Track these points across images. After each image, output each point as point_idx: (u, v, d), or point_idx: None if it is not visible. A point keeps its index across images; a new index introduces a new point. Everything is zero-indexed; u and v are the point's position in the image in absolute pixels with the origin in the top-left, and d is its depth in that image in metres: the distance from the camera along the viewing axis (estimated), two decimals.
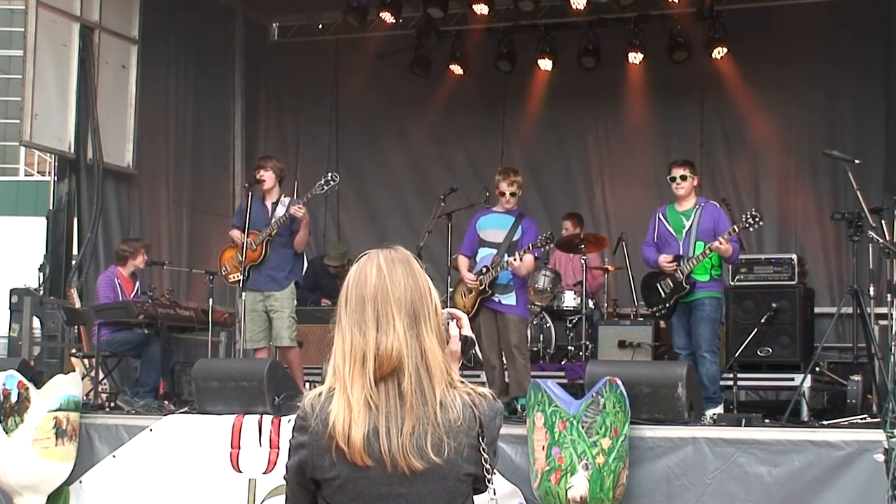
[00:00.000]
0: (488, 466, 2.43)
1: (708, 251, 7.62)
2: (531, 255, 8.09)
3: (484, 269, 8.15)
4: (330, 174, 8.60)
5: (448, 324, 2.48)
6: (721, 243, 7.53)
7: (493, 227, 8.33)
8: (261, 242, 8.50)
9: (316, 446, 2.39)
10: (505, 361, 8.22)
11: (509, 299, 8.14)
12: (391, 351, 2.37)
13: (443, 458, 2.36)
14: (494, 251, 8.20)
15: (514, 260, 7.97)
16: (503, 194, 8.32)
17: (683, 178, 7.91)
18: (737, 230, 7.60)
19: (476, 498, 2.48)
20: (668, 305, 7.86)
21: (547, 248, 8.23)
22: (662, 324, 9.72)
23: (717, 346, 7.82)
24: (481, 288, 8.13)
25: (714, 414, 7.22)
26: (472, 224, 8.51)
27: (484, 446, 2.42)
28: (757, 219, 7.59)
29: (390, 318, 2.39)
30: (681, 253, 7.78)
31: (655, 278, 7.99)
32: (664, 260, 7.79)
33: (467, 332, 2.53)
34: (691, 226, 7.81)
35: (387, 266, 2.43)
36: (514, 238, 8.20)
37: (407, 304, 2.40)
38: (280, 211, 8.53)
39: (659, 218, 8.00)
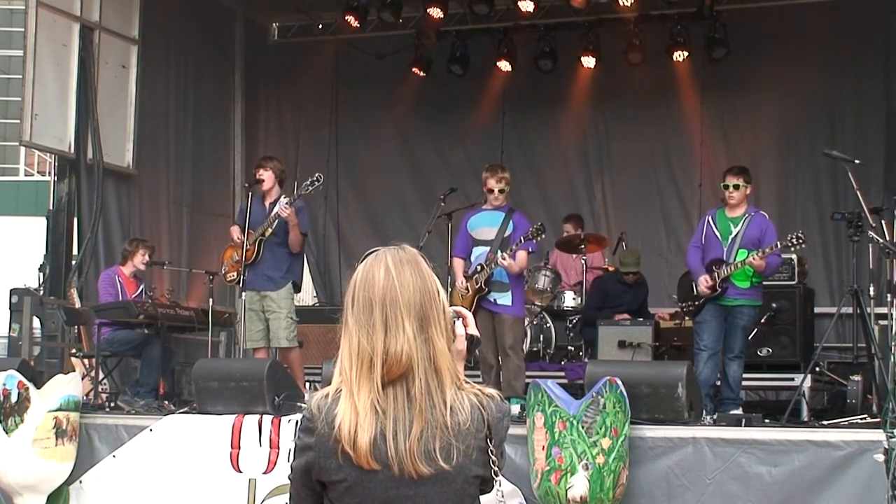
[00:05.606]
0: (496, 468, 2.39)
1: (744, 263, 7.66)
2: (523, 250, 8.07)
3: (479, 267, 8.10)
4: (316, 174, 8.56)
5: (454, 322, 2.43)
6: (755, 259, 7.57)
7: (484, 224, 8.28)
8: (254, 242, 8.49)
9: (322, 448, 2.35)
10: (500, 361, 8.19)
11: (505, 299, 8.10)
12: (400, 355, 2.32)
13: (451, 464, 2.32)
14: (488, 248, 8.16)
15: (504, 259, 7.94)
16: (492, 191, 8.25)
17: (736, 187, 7.86)
18: (778, 247, 7.61)
19: (483, 498, 2.45)
20: (697, 303, 7.90)
21: (538, 239, 8.17)
22: (662, 324, 9.76)
23: (745, 351, 7.91)
24: (477, 286, 8.10)
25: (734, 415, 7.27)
26: (463, 225, 8.44)
27: (492, 448, 2.37)
28: (801, 240, 7.56)
29: (399, 321, 2.33)
30: (723, 258, 7.81)
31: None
32: (703, 283, 7.79)
33: (473, 330, 2.47)
34: (738, 234, 7.83)
35: (395, 267, 2.38)
36: (507, 234, 8.14)
37: (416, 306, 2.35)
38: (276, 210, 8.54)
39: (708, 221, 8.01)
